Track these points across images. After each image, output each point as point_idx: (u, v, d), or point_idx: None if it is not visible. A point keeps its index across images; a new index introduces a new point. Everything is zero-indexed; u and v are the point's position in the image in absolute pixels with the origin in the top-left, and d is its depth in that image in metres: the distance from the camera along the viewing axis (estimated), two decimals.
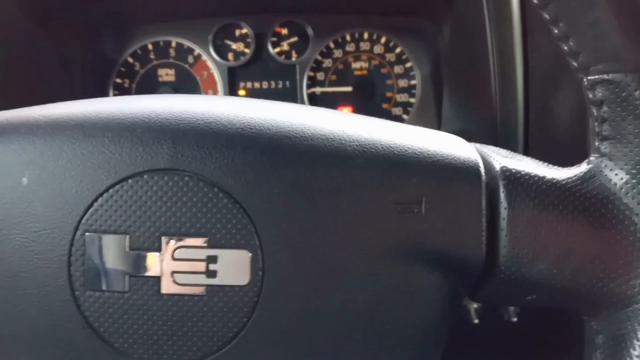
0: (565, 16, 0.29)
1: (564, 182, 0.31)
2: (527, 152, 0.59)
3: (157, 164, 0.30)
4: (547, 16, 0.30)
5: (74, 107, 0.34)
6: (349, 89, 0.83)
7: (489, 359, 0.71)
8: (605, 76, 0.29)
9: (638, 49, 0.29)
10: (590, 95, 0.31)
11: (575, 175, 0.31)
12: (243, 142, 0.31)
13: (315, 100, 0.84)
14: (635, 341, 0.29)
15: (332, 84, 0.83)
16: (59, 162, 0.30)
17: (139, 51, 0.84)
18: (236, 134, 0.31)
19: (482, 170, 0.32)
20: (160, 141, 0.30)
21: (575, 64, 0.31)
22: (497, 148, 0.35)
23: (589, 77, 0.30)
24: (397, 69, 0.83)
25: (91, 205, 0.30)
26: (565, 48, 0.30)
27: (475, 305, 0.65)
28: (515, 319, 0.63)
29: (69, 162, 0.30)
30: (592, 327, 0.32)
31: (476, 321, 0.63)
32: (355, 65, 0.83)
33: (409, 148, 0.32)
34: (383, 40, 0.83)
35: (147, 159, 0.30)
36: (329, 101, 0.83)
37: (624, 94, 0.29)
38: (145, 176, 0.30)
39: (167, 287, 0.30)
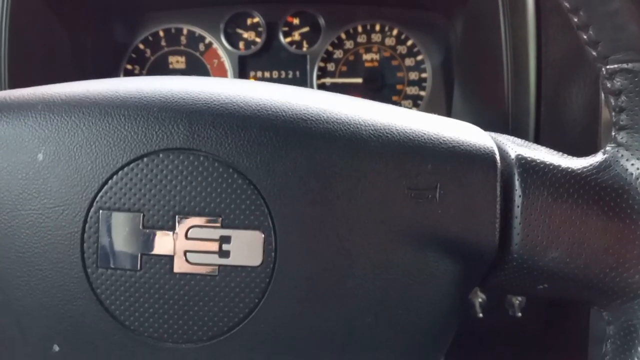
0: (585, 5, 0.29)
1: (579, 172, 0.31)
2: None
3: (172, 143, 0.30)
4: (567, 4, 0.30)
5: (90, 85, 0.34)
6: (359, 80, 0.83)
7: (493, 352, 0.71)
8: (624, 65, 0.29)
9: None
10: (609, 85, 0.30)
11: (590, 165, 0.31)
12: (259, 123, 0.30)
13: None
14: None
15: (342, 75, 0.83)
16: (74, 139, 0.30)
17: (150, 38, 0.84)
18: (252, 115, 0.31)
19: (498, 157, 0.32)
20: (176, 120, 0.30)
21: (594, 53, 0.30)
22: (513, 137, 0.35)
23: (607, 67, 0.30)
24: (408, 62, 0.83)
25: (106, 182, 0.30)
26: (585, 37, 0.30)
27: (480, 300, 0.64)
28: (519, 314, 0.63)
29: (84, 139, 0.30)
30: (603, 318, 0.32)
31: (480, 315, 0.63)
32: (366, 56, 0.83)
33: (424, 134, 0.32)
34: (395, 32, 0.82)
35: (162, 138, 0.30)
36: (339, 92, 0.83)
37: None
38: (161, 155, 0.30)
39: (180, 266, 0.30)
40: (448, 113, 0.80)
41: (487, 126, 0.67)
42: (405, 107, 0.83)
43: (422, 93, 0.83)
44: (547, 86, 0.59)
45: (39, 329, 0.32)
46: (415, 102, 0.83)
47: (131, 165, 0.30)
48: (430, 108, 0.82)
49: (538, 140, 0.59)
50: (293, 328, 0.31)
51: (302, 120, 0.31)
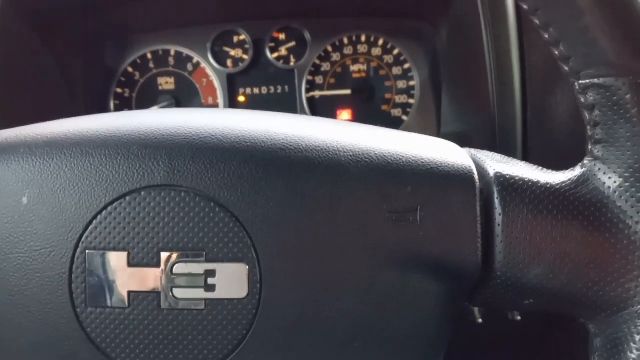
0: (555, 22, 0.30)
1: (557, 187, 0.31)
2: (525, 151, 0.59)
3: (153, 180, 0.30)
4: (537, 22, 0.30)
5: (70, 125, 0.34)
6: (347, 92, 0.83)
7: (493, 357, 0.71)
8: (596, 80, 0.30)
9: (627, 53, 0.29)
10: (582, 100, 0.31)
11: (569, 179, 0.31)
12: (238, 156, 0.31)
13: (314, 104, 0.84)
14: (632, 344, 0.29)
15: (331, 87, 0.84)
16: (57, 181, 0.31)
17: (138, 60, 0.85)
18: (231, 148, 0.31)
19: (476, 176, 0.32)
20: (156, 157, 0.31)
21: (566, 68, 0.31)
22: (492, 153, 0.35)
23: (580, 82, 0.30)
24: (396, 71, 0.83)
25: (90, 222, 0.30)
26: (556, 53, 0.31)
27: (478, 307, 0.65)
28: (519, 318, 0.63)
29: (67, 180, 0.31)
30: (589, 330, 0.32)
31: (480, 321, 0.63)
32: (354, 68, 0.83)
33: (402, 156, 0.32)
34: (381, 42, 0.83)
35: (143, 176, 0.30)
36: (328, 105, 0.84)
37: (615, 97, 0.29)
38: (143, 193, 0.30)
39: (167, 301, 0.30)
40: (438, 120, 0.80)
41: (475, 132, 0.68)
42: (395, 115, 0.84)
43: (411, 101, 0.83)
44: (533, 91, 0.59)
45: None
46: (405, 110, 0.83)
47: (114, 205, 0.30)
48: (420, 116, 0.82)
49: (526, 145, 0.59)
50: (282, 357, 0.31)
51: (281, 150, 0.31)
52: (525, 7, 0.31)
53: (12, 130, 0.34)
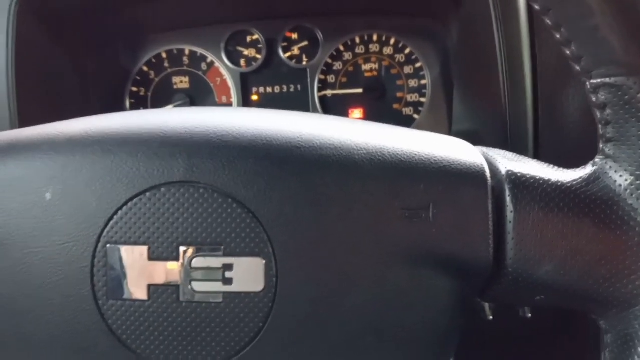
0: (566, 22, 0.30)
1: (568, 185, 0.32)
2: (537, 149, 0.60)
3: (173, 176, 0.31)
4: (548, 22, 0.31)
5: (92, 123, 0.35)
6: (359, 90, 0.84)
7: (504, 354, 0.71)
8: (607, 79, 0.30)
9: (637, 52, 0.29)
10: (594, 99, 0.31)
11: (580, 177, 0.32)
12: (254, 153, 0.32)
13: (326, 103, 0.85)
14: None
15: (342, 86, 0.84)
16: (79, 178, 0.32)
17: (153, 60, 0.86)
18: (248, 146, 0.32)
19: (488, 174, 0.32)
20: (175, 155, 0.32)
21: (577, 68, 0.31)
22: (503, 151, 0.36)
23: (591, 81, 0.31)
24: (407, 70, 0.83)
25: (111, 218, 0.31)
26: (568, 52, 0.31)
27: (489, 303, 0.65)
28: (529, 315, 0.63)
29: (89, 177, 0.32)
30: (600, 326, 0.32)
31: (491, 317, 0.63)
32: (365, 67, 0.84)
33: (415, 155, 0.33)
34: (392, 41, 0.83)
35: (163, 173, 0.31)
36: (340, 103, 0.84)
37: (626, 97, 0.30)
38: (163, 189, 0.31)
39: (186, 294, 0.31)
40: (449, 118, 0.81)
41: (487, 131, 0.68)
42: (406, 114, 0.84)
43: (423, 100, 0.83)
44: (544, 90, 0.59)
45: None
46: (417, 109, 0.84)
47: (134, 200, 0.31)
48: (432, 114, 0.83)
49: (538, 143, 0.59)
50: (297, 349, 0.32)
51: (296, 148, 0.32)
52: (537, 7, 0.31)
53: (34, 128, 0.36)
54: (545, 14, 0.31)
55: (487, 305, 0.64)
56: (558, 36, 0.31)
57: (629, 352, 0.30)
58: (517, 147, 0.59)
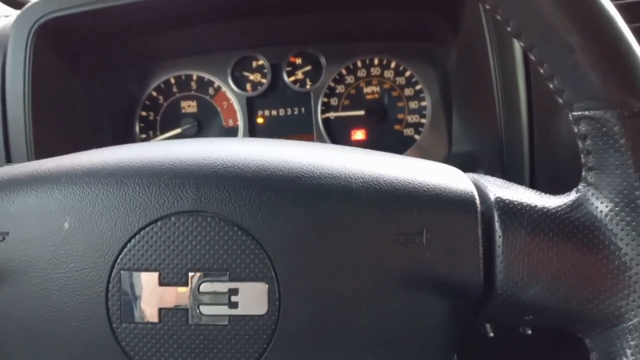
0: (548, 59, 0.32)
1: (554, 211, 0.33)
2: (533, 172, 0.61)
3: (182, 206, 0.34)
4: (533, 57, 0.33)
5: (106, 155, 0.37)
6: (361, 112, 0.86)
7: None
8: (587, 112, 0.32)
9: (614, 87, 0.31)
10: (576, 130, 0.33)
11: (564, 204, 0.34)
12: (258, 184, 0.34)
13: (329, 125, 0.87)
14: (624, 358, 0.31)
15: (345, 108, 0.87)
16: (95, 208, 0.34)
17: (162, 85, 0.89)
18: (252, 176, 0.34)
19: (478, 201, 0.34)
20: (185, 186, 0.34)
21: (560, 100, 0.33)
22: (493, 178, 0.38)
23: (573, 113, 0.33)
24: (408, 92, 0.86)
25: (125, 245, 0.34)
26: (551, 86, 0.33)
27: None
28: (529, 332, 0.65)
29: (104, 207, 0.34)
30: (587, 345, 0.34)
31: (491, 334, 0.65)
32: (367, 89, 0.86)
33: (409, 183, 0.35)
34: (393, 65, 0.86)
35: (173, 203, 0.34)
36: (343, 125, 0.86)
37: (604, 129, 0.32)
38: (172, 218, 0.33)
39: (194, 317, 0.33)
40: (449, 138, 0.82)
41: (484, 152, 0.70)
42: (407, 134, 0.86)
43: (423, 120, 0.85)
44: (539, 113, 0.61)
45: None
46: (417, 130, 0.86)
47: (147, 229, 0.34)
48: (432, 135, 0.85)
49: (533, 166, 0.61)
50: None
51: (297, 177, 0.34)
52: (521, 44, 0.33)
53: (52, 160, 0.38)
54: (529, 51, 0.33)
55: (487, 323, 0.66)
56: (542, 71, 0.33)
57: None
58: (512, 169, 0.61)
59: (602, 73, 0.31)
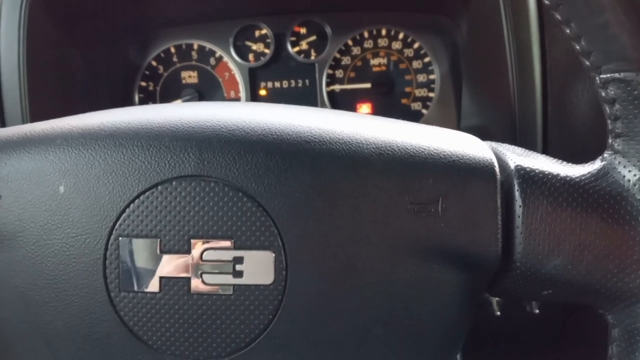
0: (576, 17, 0.30)
1: (577, 180, 0.32)
2: (546, 145, 0.60)
3: (184, 170, 0.32)
4: (558, 17, 0.31)
5: (104, 117, 0.35)
6: (367, 85, 0.84)
7: (511, 349, 0.71)
8: (616, 75, 0.30)
9: None
10: (603, 94, 0.31)
11: (588, 173, 0.32)
12: (265, 148, 0.32)
13: (334, 98, 0.85)
14: None
15: (351, 81, 0.84)
16: (92, 171, 0.32)
17: (162, 55, 0.86)
18: (258, 140, 0.32)
19: (497, 169, 0.33)
20: (187, 149, 0.32)
21: (587, 63, 0.31)
22: (512, 146, 0.36)
23: (600, 76, 0.31)
24: (416, 64, 0.83)
25: (123, 211, 0.32)
26: (578, 48, 0.31)
27: (497, 298, 0.65)
28: (537, 311, 0.64)
29: (101, 171, 0.32)
30: (608, 321, 0.32)
31: (498, 313, 0.63)
32: (374, 61, 0.84)
33: (424, 149, 0.33)
34: (401, 36, 0.83)
35: (175, 166, 0.32)
36: (348, 98, 0.84)
37: (635, 92, 0.30)
38: (174, 183, 0.32)
39: (197, 287, 0.32)
40: (458, 114, 0.80)
41: (496, 126, 0.68)
42: (414, 109, 0.84)
43: (431, 94, 0.83)
44: (553, 85, 0.59)
45: (67, 350, 0.34)
46: (425, 104, 0.84)
47: (146, 194, 0.32)
48: (440, 109, 0.83)
49: (546, 139, 0.59)
50: (306, 342, 0.32)
51: (306, 142, 0.32)
52: (546, 2, 0.31)
53: (47, 122, 0.36)
54: (555, 9, 0.31)
55: (494, 300, 0.65)
56: (568, 31, 0.31)
57: (636, 345, 0.30)
58: (525, 142, 0.59)
59: (634, 33, 0.29)
